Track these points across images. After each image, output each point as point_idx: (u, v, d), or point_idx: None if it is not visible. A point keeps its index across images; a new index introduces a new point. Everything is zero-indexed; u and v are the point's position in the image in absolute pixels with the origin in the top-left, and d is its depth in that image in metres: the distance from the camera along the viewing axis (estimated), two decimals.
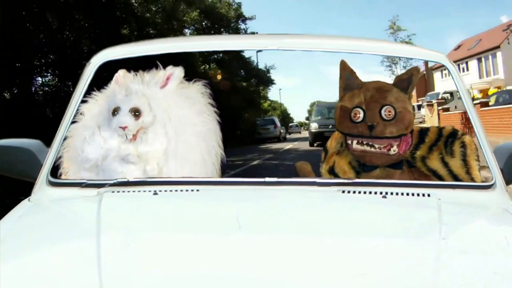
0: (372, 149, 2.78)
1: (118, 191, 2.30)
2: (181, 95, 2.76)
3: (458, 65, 43.73)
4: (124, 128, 2.55)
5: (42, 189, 2.41)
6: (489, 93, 35.83)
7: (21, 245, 1.83)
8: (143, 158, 2.57)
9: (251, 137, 30.84)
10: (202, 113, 2.78)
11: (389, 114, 2.75)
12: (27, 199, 2.38)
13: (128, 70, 2.75)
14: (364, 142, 2.79)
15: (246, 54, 35.39)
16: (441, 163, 2.79)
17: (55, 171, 2.49)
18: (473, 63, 46.88)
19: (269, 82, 40.36)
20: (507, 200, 2.31)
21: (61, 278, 1.56)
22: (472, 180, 2.70)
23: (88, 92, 2.70)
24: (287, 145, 25.60)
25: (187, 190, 2.30)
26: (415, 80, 2.86)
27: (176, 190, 2.31)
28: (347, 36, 2.88)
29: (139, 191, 2.29)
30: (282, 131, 34.54)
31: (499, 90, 34.44)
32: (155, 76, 2.74)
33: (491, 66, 44.32)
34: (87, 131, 2.62)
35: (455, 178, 2.74)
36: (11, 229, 1.99)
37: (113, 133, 2.60)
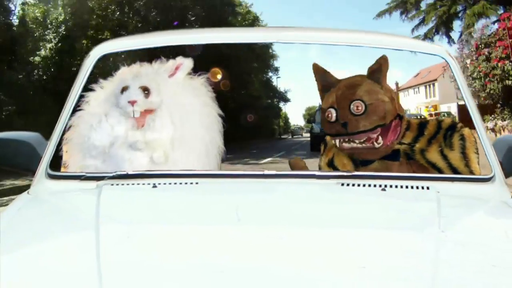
0: (358, 145, 2.78)
1: (117, 184, 2.30)
2: (188, 85, 2.79)
3: (414, 89, 68.53)
4: (133, 103, 2.57)
5: (41, 182, 2.41)
6: (425, 110, 52.16)
7: (21, 238, 1.83)
8: (150, 145, 2.58)
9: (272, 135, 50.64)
10: (207, 105, 2.81)
11: (358, 109, 2.73)
12: (26, 192, 2.39)
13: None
14: (346, 140, 2.80)
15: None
16: (440, 155, 2.78)
17: (54, 163, 2.48)
18: (422, 88, 66.76)
19: (287, 100, 58.19)
20: (506, 193, 2.31)
21: (60, 270, 1.56)
22: (471, 173, 2.70)
23: (94, 81, 2.72)
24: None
25: (186, 183, 2.30)
26: (384, 69, 2.83)
27: (175, 183, 2.31)
28: (346, 29, 2.88)
29: (138, 184, 2.29)
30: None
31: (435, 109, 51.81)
32: (164, 65, 2.77)
33: (432, 91, 63.58)
34: (94, 118, 2.63)
35: (454, 171, 2.73)
36: (11, 222, 1.99)
37: (120, 119, 2.62)
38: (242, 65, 32.23)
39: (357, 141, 2.77)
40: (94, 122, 2.61)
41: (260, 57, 41.20)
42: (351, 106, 2.75)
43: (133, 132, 2.59)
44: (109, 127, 2.60)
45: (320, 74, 2.99)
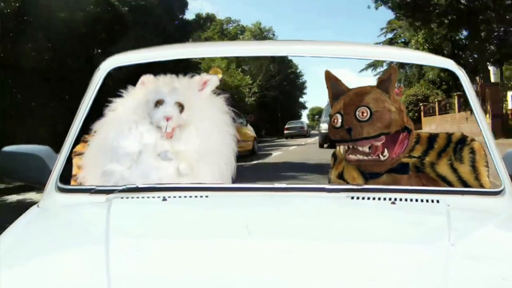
0: (364, 157, 2.78)
1: (127, 197, 2.30)
2: (213, 102, 2.82)
3: None
4: (168, 119, 2.58)
5: (51, 195, 2.41)
6: None
7: (30, 251, 1.84)
8: (177, 156, 2.60)
9: None
10: (228, 124, 2.83)
11: (363, 115, 2.75)
12: (36, 205, 2.39)
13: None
14: (350, 147, 2.81)
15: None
16: (450, 169, 2.78)
17: (64, 177, 2.49)
18: None
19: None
20: None
21: (70, 284, 1.57)
22: (481, 186, 2.69)
23: (119, 92, 2.76)
24: None
25: (196, 196, 2.29)
26: (394, 79, 2.86)
27: (185, 196, 2.31)
28: (356, 42, 2.89)
29: (148, 197, 2.29)
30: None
31: None
32: (192, 79, 2.80)
33: None
34: (124, 125, 2.65)
35: (464, 184, 2.73)
36: (20, 235, 2.00)
37: (151, 129, 2.63)
38: None
39: (360, 149, 2.77)
40: (124, 128, 2.63)
41: None
42: (357, 112, 2.76)
43: (162, 142, 2.61)
44: (139, 135, 2.62)
45: (332, 81, 3.01)
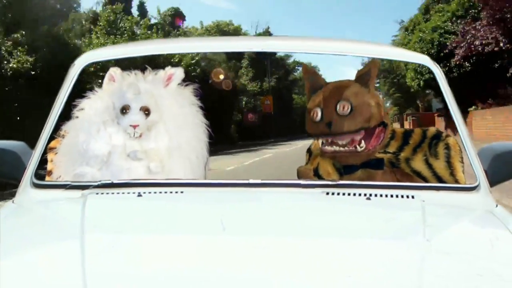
0: (341, 149, 2.77)
1: (102, 193, 2.29)
2: (179, 95, 2.80)
3: None
4: (135, 127, 2.58)
5: (26, 191, 2.40)
6: None
7: (4, 247, 1.82)
8: (147, 155, 2.60)
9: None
10: (197, 115, 2.83)
11: (344, 109, 2.73)
12: (11, 201, 2.37)
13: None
14: (329, 141, 2.78)
15: None
16: (425, 164, 2.79)
17: (39, 173, 2.47)
18: None
19: None
20: (491, 202, 2.32)
21: (45, 280, 1.55)
22: (456, 182, 2.71)
23: (90, 89, 2.75)
24: None
25: (171, 192, 2.29)
26: (373, 73, 2.84)
27: (160, 192, 2.30)
28: (333, 38, 2.89)
29: (123, 193, 2.28)
30: None
31: None
32: (156, 75, 2.78)
33: None
34: (92, 127, 2.63)
35: (439, 179, 2.74)
36: None
37: (119, 130, 2.62)
38: None
39: (340, 143, 2.75)
40: (92, 130, 2.61)
41: None
42: (338, 107, 2.74)
43: (131, 142, 2.60)
44: (107, 136, 2.60)
45: (310, 75, 3.02)
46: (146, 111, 2.61)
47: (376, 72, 2.85)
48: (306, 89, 3.00)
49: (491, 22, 26.72)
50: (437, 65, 2.68)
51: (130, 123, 2.58)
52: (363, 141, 2.75)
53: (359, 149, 2.75)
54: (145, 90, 2.67)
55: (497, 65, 27.99)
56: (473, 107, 30.83)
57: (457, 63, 30.79)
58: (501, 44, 26.13)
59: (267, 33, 62.57)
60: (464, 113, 25.45)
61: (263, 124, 50.51)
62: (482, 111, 30.07)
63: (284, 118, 59.26)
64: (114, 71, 2.75)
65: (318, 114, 2.79)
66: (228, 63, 46.08)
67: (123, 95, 2.65)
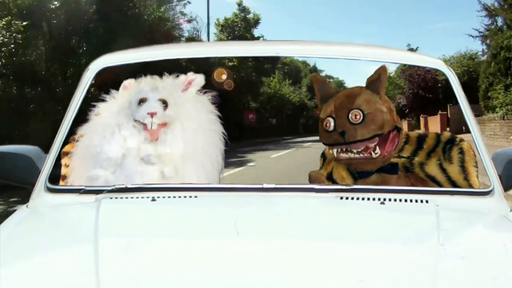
0: (356, 155, 2.77)
1: (116, 197, 2.29)
2: (198, 101, 2.80)
3: None
4: (152, 115, 2.57)
5: (40, 196, 2.41)
6: None
7: (19, 251, 1.83)
8: (161, 159, 2.59)
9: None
10: (214, 123, 2.82)
11: (356, 118, 2.73)
12: (25, 205, 2.38)
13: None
14: (344, 149, 2.78)
15: None
16: (439, 169, 2.78)
17: (53, 177, 2.48)
18: None
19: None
20: (505, 207, 2.30)
21: (59, 284, 1.56)
22: (470, 186, 2.69)
23: (106, 92, 2.76)
24: None
25: (185, 197, 2.29)
26: (383, 79, 2.84)
27: (174, 197, 2.30)
28: (345, 42, 2.89)
29: (137, 197, 2.28)
30: None
31: None
32: (177, 79, 2.79)
33: None
34: (107, 129, 2.64)
35: (453, 184, 2.73)
36: (9, 235, 1.99)
37: (133, 132, 2.62)
38: None
39: (354, 151, 2.75)
40: (107, 133, 2.61)
41: None
42: (350, 115, 2.74)
43: (146, 146, 2.59)
44: (122, 139, 2.60)
45: (320, 84, 3.01)
46: (164, 103, 2.61)
47: (385, 77, 2.86)
48: (318, 99, 3.00)
49: None
50: (451, 70, 2.67)
51: (148, 110, 2.57)
52: (377, 148, 2.75)
53: (374, 155, 2.75)
54: (163, 87, 2.68)
55: None
56: None
57: None
58: None
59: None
60: None
61: None
62: None
63: None
64: (128, 82, 2.77)
65: (331, 123, 2.79)
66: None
67: (141, 90, 2.66)
